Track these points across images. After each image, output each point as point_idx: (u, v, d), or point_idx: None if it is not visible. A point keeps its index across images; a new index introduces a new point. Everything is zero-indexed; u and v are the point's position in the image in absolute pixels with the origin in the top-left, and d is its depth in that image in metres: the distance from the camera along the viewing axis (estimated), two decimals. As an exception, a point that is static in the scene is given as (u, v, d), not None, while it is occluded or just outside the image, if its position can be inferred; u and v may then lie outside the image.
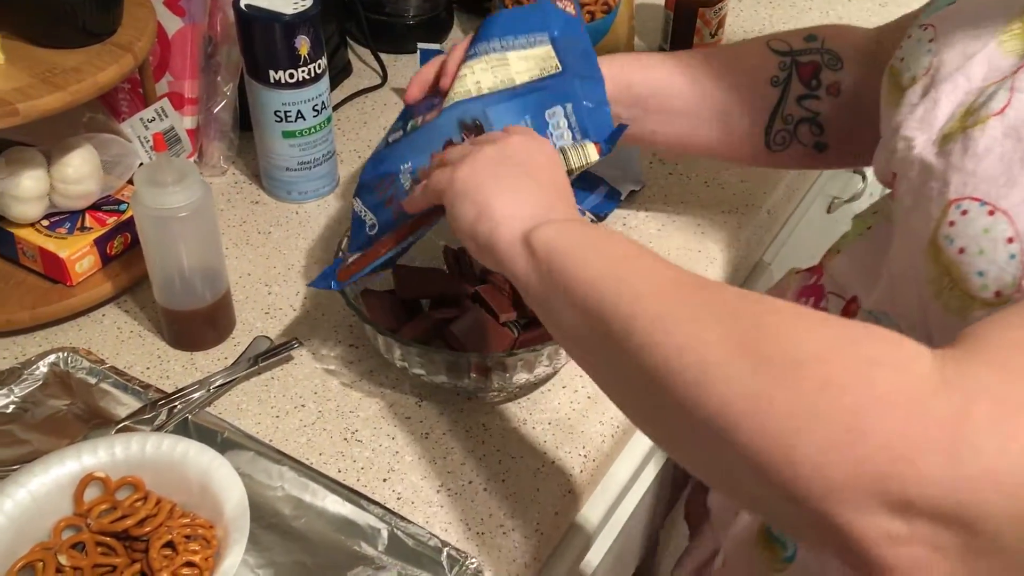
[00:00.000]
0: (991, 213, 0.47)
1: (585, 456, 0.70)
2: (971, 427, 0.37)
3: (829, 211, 1.23)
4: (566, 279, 0.52)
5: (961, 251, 0.48)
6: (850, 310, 0.64)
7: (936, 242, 0.50)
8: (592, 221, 0.79)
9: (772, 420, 0.40)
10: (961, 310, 0.49)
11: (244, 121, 0.92)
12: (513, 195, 0.57)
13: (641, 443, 0.78)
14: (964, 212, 0.48)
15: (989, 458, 0.37)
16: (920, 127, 0.54)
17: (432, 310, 0.75)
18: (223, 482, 0.61)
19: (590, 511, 0.73)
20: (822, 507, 0.38)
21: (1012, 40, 0.52)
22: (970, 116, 0.51)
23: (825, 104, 0.75)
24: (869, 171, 1.34)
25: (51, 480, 0.61)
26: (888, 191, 0.62)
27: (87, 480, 0.62)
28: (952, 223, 0.49)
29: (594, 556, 0.76)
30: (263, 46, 0.82)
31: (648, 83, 0.76)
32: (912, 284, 0.53)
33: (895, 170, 0.56)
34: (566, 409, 0.73)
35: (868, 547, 0.38)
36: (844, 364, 0.40)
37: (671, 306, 0.46)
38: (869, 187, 1.34)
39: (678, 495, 0.97)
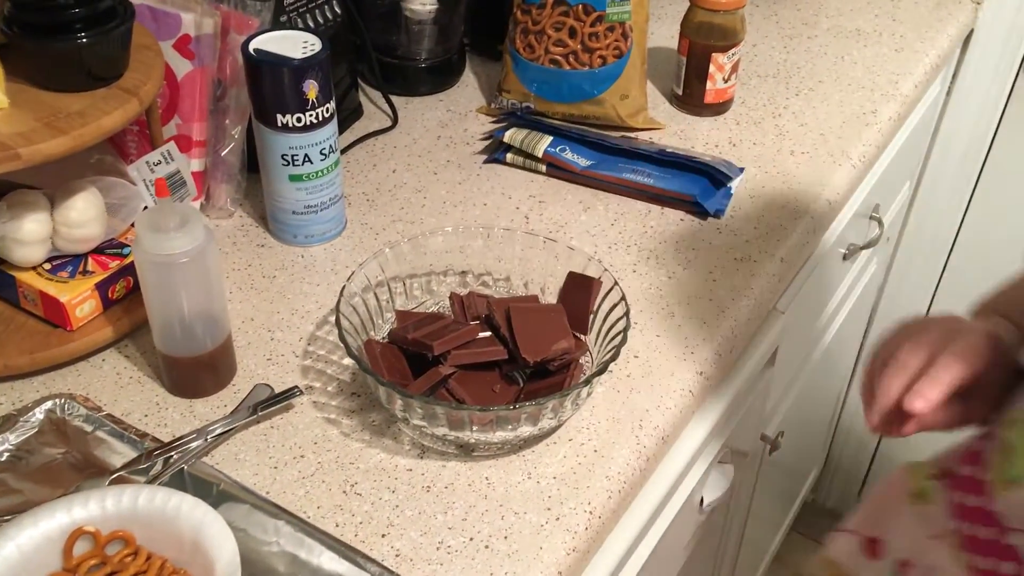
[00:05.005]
0: None
1: (591, 513, 0.68)
2: None
3: (845, 258, 1.21)
4: None
5: None
6: None
7: None
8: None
9: None
10: None
11: (252, 163, 0.92)
12: None
13: (648, 501, 0.76)
14: None
15: None
16: None
17: (436, 363, 0.73)
18: (215, 539, 0.59)
19: (594, 571, 0.71)
20: None
21: None
22: None
23: None
24: (885, 218, 1.32)
25: (40, 534, 0.59)
26: None
27: (77, 534, 0.60)
28: None
29: (599, 616, 0.73)
30: (271, 90, 0.82)
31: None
32: None
33: None
34: (571, 463, 0.71)
35: None
36: None
37: None
38: (886, 232, 1.32)
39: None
